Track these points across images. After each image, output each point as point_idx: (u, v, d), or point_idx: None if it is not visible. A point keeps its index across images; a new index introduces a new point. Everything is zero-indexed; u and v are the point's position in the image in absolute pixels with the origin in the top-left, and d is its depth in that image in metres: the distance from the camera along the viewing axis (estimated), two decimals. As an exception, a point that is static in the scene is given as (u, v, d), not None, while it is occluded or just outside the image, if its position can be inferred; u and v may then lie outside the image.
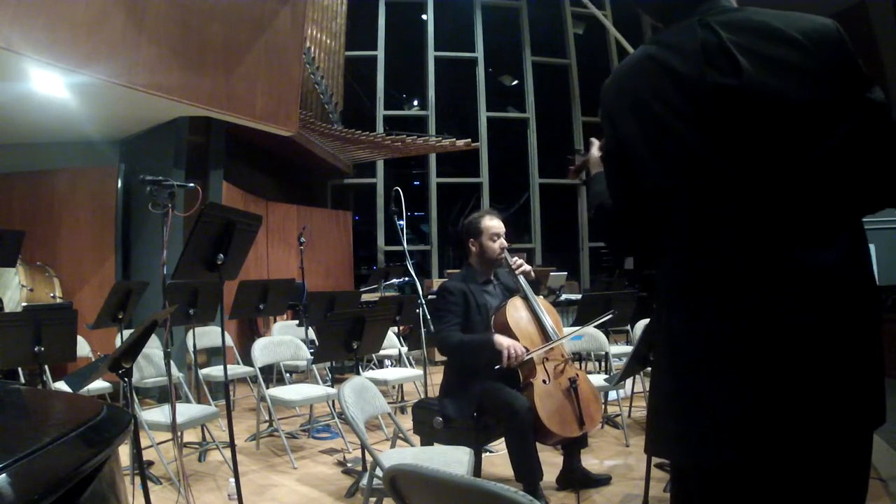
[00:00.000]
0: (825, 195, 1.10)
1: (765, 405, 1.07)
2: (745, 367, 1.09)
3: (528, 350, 2.81)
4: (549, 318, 3.00)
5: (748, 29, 1.12)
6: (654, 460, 2.98)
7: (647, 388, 3.51)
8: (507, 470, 3.01)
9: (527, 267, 3.09)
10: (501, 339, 2.79)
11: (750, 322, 1.09)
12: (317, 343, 4.25)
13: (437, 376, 3.44)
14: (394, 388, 4.98)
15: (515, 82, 10.38)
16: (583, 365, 5.55)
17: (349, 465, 3.62)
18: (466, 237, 3.12)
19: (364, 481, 2.28)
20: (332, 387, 4.19)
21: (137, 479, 2.60)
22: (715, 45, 1.13)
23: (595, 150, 1.50)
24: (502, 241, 3.06)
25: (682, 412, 1.15)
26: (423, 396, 4.14)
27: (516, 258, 3.11)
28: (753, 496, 1.13)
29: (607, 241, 1.42)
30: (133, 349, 2.28)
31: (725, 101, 1.10)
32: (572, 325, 4.58)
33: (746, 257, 1.10)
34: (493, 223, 3.07)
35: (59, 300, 5.22)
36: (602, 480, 3.15)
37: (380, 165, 9.47)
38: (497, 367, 2.78)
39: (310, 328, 5.03)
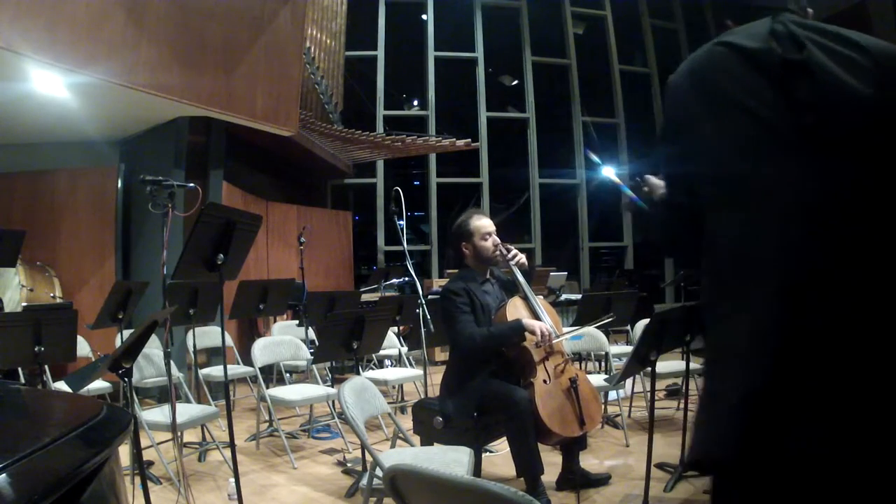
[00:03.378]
0: (886, 179, 1.11)
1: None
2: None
3: (555, 333, 2.86)
4: (549, 317, 3.00)
5: (818, 30, 1.18)
6: (654, 460, 2.99)
7: (647, 388, 3.51)
8: (507, 470, 3.01)
9: (521, 257, 3.09)
10: (531, 321, 2.84)
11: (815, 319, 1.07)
12: (317, 343, 4.25)
13: (437, 376, 3.44)
14: (394, 388, 4.98)
15: (515, 82, 10.38)
16: (583, 365, 5.55)
17: (349, 465, 3.62)
18: (458, 242, 3.10)
19: (364, 481, 2.28)
20: (332, 387, 4.19)
21: (137, 479, 2.60)
22: (784, 32, 1.18)
23: (654, 182, 1.52)
24: (495, 238, 3.05)
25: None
26: (423, 396, 4.13)
27: (511, 249, 3.10)
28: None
29: (664, 243, 1.44)
30: (133, 349, 2.28)
31: (791, 72, 1.14)
32: (572, 325, 4.58)
33: (807, 241, 1.09)
34: (481, 222, 3.06)
35: (59, 300, 5.22)
36: (601, 480, 3.14)
37: (380, 165, 9.46)
38: (537, 343, 2.79)
39: (310, 328, 5.02)
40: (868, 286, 1.07)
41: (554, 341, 2.86)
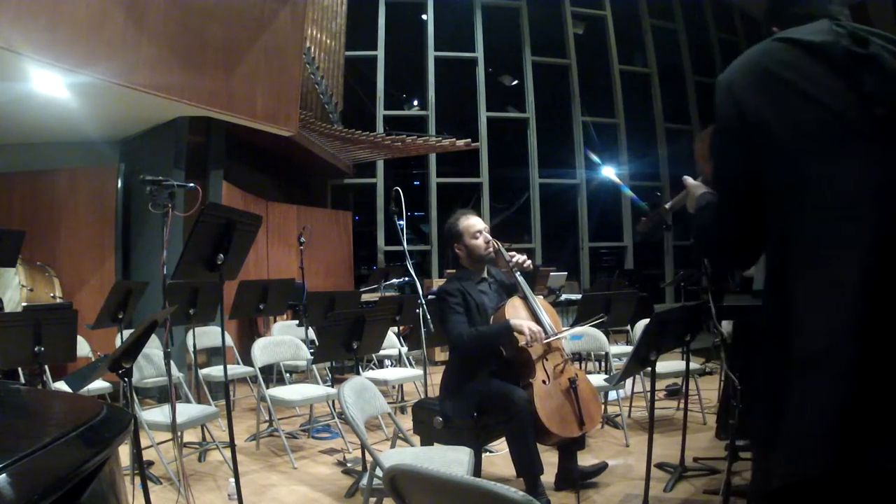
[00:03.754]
0: None
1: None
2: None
3: (546, 333, 2.85)
4: (548, 317, 3.00)
5: (870, 31, 1.16)
6: (654, 460, 2.99)
7: (647, 388, 3.51)
8: (507, 470, 3.01)
9: (520, 258, 3.09)
10: (519, 321, 2.83)
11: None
12: (317, 343, 4.25)
13: (437, 376, 3.43)
14: (394, 388, 4.98)
15: (515, 82, 10.38)
16: (583, 365, 5.55)
17: (349, 465, 3.62)
18: (450, 243, 3.12)
19: (364, 481, 2.28)
20: (332, 387, 4.19)
21: (137, 479, 2.60)
22: (844, 30, 1.16)
23: (690, 179, 1.49)
24: (486, 236, 3.05)
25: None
26: (423, 396, 4.13)
27: (513, 253, 3.11)
28: None
29: (719, 245, 1.33)
30: (133, 349, 2.28)
31: (859, 64, 1.12)
32: (571, 325, 4.58)
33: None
34: (470, 222, 3.07)
35: (59, 300, 5.22)
36: (598, 471, 3.15)
37: (380, 165, 9.46)
38: (523, 344, 2.77)
39: (310, 328, 5.02)
40: None
41: (544, 341, 2.85)
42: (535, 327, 2.81)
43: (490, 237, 3.07)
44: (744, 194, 1.22)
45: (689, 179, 1.52)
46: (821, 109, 1.12)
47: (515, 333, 2.82)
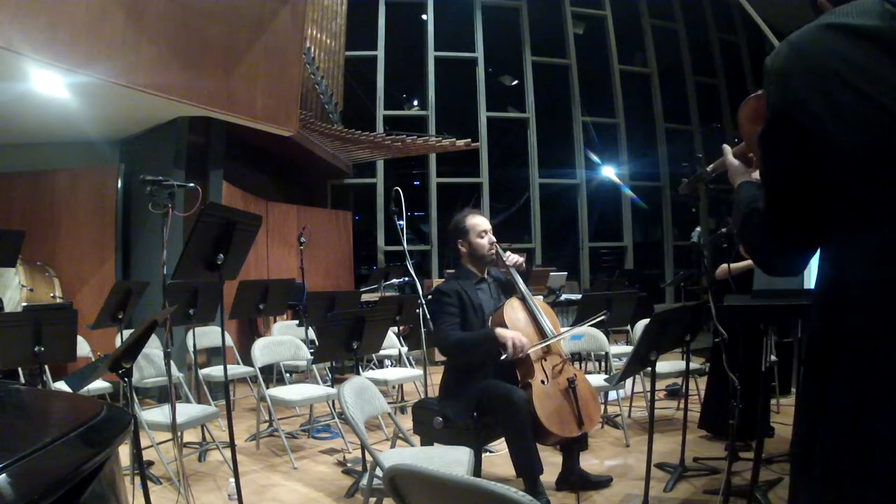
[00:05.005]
0: None
1: None
2: None
3: (544, 334, 2.83)
4: (547, 318, 3.00)
5: None
6: (654, 460, 2.99)
7: (647, 388, 3.51)
8: (507, 470, 3.01)
9: (515, 257, 3.09)
10: (503, 332, 2.80)
11: None
12: (317, 343, 4.25)
13: (437, 376, 3.44)
14: (394, 388, 4.98)
15: (515, 82, 10.38)
16: (583, 365, 5.55)
17: (349, 465, 3.62)
18: (454, 239, 3.12)
19: (364, 481, 2.28)
20: (332, 387, 4.19)
21: (137, 479, 2.60)
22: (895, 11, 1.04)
23: (731, 157, 1.39)
24: (490, 237, 3.06)
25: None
26: (423, 396, 4.13)
27: (508, 252, 3.11)
28: None
29: (768, 244, 1.21)
30: (133, 349, 2.28)
31: None
32: (572, 324, 4.58)
33: None
34: (477, 220, 3.08)
35: (59, 300, 5.22)
36: (602, 483, 3.14)
37: (380, 165, 9.46)
38: (504, 356, 2.76)
39: (310, 328, 5.02)
40: None
41: (540, 347, 2.83)
42: (520, 340, 2.76)
43: (494, 239, 3.07)
44: (795, 194, 1.13)
45: (726, 147, 1.44)
46: (875, 108, 1.03)
47: (500, 343, 2.78)
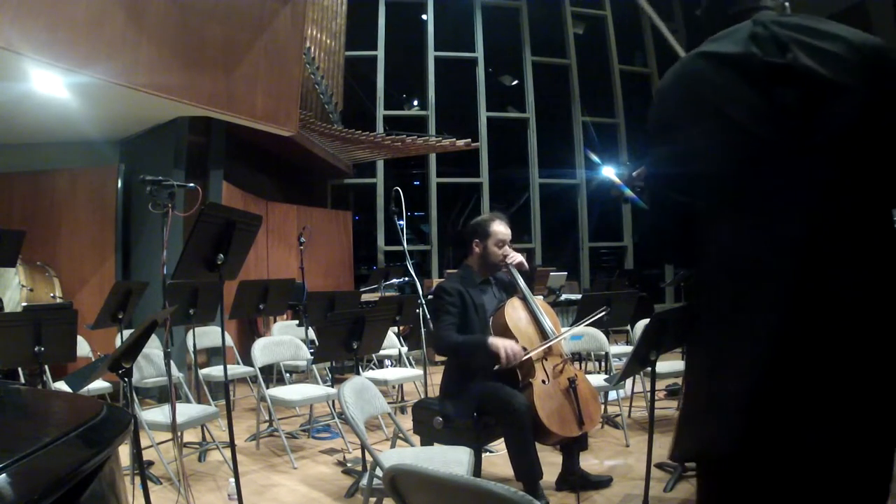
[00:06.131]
0: (876, 176, 1.14)
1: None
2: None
3: (525, 349, 2.80)
4: (548, 318, 3.00)
5: (798, 27, 1.19)
6: (654, 460, 2.98)
7: (647, 388, 3.50)
8: (507, 470, 3.01)
9: (519, 257, 3.08)
10: (496, 341, 2.78)
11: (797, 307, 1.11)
12: (317, 343, 4.25)
13: (437, 376, 3.44)
14: (394, 388, 4.98)
15: (515, 82, 10.38)
16: (583, 365, 5.55)
17: (349, 465, 3.62)
18: (472, 237, 3.09)
19: (364, 481, 2.28)
20: (332, 387, 4.19)
21: (137, 479, 2.60)
22: (764, 35, 1.19)
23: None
24: (507, 250, 3.05)
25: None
26: (423, 396, 4.14)
27: (512, 252, 3.10)
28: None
29: (659, 245, 1.45)
30: (133, 349, 2.28)
31: (775, 76, 1.15)
32: (571, 325, 4.58)
33: (793, 238, 1.13)
34: (502, 229, 3.06)
35: (59, 300, 5.22)
36: (602, 483, 3.14)
37: (380, 165, 9.46)
38: (497, 367, 2.77)
39: (310, 328, 5.02)
40: (863, 286, 1.10)
41: (522, 359, 2.79)
42: (513, 349, 2.75)
43: (509, 251, 3.05)
44: (673, 195, 1.30)
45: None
46: (737, 129, 1.18)
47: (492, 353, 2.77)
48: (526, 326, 2.94)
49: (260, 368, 3.92)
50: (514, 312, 2.95)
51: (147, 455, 3.27)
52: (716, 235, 1.23)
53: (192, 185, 2.95)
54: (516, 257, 3.07)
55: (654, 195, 1.36)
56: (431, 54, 9.80)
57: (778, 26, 1.19)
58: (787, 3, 1.32)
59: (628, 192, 1.53)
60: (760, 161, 1.17)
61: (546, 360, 2.91)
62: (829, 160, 1.13)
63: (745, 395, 1.14)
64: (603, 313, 3.33)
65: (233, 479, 2.77)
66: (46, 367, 3.47)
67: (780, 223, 1.15)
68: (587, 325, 3.60)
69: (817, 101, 1.13)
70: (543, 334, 2.94)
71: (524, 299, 3.03)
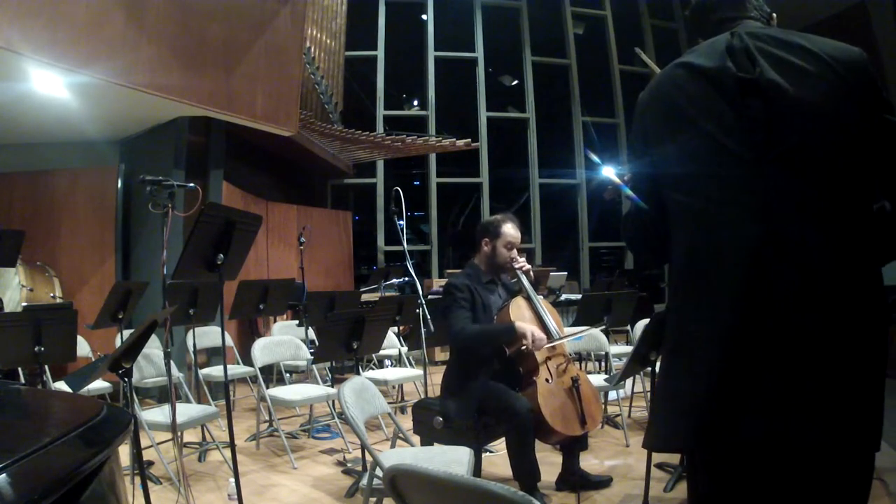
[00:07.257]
0: (831, 188, 1.18)
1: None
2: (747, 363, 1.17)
3: (550, 337, 2.84)
4: (552, 319, 3.00)
5: (772, 40, 1.23)
6: (654, 460, 2.99)
7: (647, 388, 3.51)
8: (507, 470, 3.01)
9: (527, 266, 3.09)
10: (524, 325, 2.81)
11: (750, 316, 1.17)
12: (317, 343, 4.25)
13: (437, 376, 3.44)
14: (394, 388, 4.98)
15: (515, 82, 10.38)
16: (583, 365, 5.55)
17: (349, 465, 3.62)
18: (482, 235, 3.09)
19: (364, 481, 2.28)
20: (332, 387, 4.19)
21: (137, 479, 2.60)
22: (739, 48, 1.24)
23: None
24: (514, 253, 3.05)
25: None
26: (423, 396, 4.13)
27: (520, 258, 3.11)
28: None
29: (631, 239, 1.53)
30: (133, 349, 2.28)
31: (745, 90, 1.20)
32: (572, 325, 4.58)
33: (748, 245, 1.18)
34: (513, 232, 3.06)
35: (59, 300, 5.22)
36: (602, 483, 3.14)
37: (380, 165, 9.46)
38: (515, 349, 2.77)
39: (310, 328, 5.02)
40: (814, 291, 1.15)
41: (545, 346, 2.83)
42: (539, 333, 2.79)
43: (516, 254, 3.06)
44: (649, 200, 1.38)
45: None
46: (707, 140, 1.23)
47: (518, 336, 2.81)
48: (530, 325, 2.94)
49: (260, 368, 3.92)
50: (519, 311, 2.96)
51: (147, 455, 3.27)
52: (678, 240, 1.30)
53: (192, 185, 2.95)
54: (525, 265, 3.08)
55: (636, 197, 1.44)
56: (431, 54, 9.80)
57: (753, 38, 1.24)
58: (773, 14, 1.36)
59: (628, 192, 1.55)
60: (723, 170, 1.22)
61: (550, 359, 2.92)
62: (787, 172, 1.17)
63: (694, 394, 1.22)
64: (601, 327, 3.34)
65: (233, 479, 2.77)
66: (46, 367, 3.46)
67: (731, 230, 1.20)
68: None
69: (779, 115, 1.17)
70: (548, 333, 2.94)
71: (528, 299, 3.03)
